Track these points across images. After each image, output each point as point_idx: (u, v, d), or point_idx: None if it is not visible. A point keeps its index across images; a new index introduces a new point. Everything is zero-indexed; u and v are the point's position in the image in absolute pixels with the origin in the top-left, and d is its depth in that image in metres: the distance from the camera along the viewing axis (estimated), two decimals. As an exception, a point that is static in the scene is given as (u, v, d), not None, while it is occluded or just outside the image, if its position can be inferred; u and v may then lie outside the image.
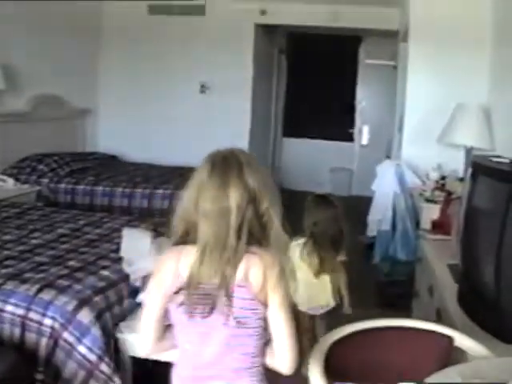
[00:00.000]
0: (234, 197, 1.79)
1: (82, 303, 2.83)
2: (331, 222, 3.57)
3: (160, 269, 1.84)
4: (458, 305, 2.86)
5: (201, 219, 1.80)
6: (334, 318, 3.70)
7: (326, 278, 3.63)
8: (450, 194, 4.83)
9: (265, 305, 1.78)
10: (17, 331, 2.81)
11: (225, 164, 1.88)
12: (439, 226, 4.47)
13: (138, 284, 3.15)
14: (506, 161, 2.64)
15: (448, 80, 5.75)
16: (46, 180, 5.94)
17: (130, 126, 8.16)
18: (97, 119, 8.08)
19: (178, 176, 6.36)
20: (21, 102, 6.14)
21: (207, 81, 8.00)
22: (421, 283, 4.31)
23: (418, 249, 5.12)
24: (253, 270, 1.76)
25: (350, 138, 10.40)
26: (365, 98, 10.36)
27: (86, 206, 5.76)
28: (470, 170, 2.98)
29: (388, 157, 8.03)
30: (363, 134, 10.38)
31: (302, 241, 3.54)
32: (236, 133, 7.92)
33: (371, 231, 5.61)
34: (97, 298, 2.92)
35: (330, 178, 9.83)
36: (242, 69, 7.96)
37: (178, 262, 1.79)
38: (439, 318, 3.20)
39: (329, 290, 3.66)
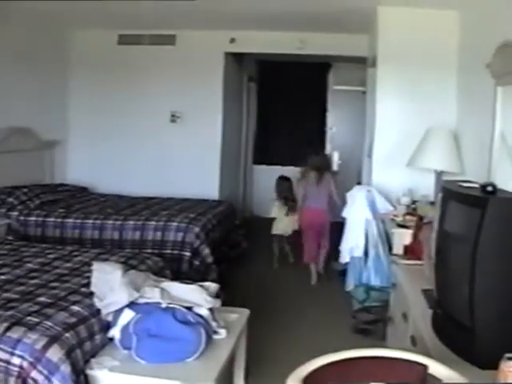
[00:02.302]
0: None
1: (52, 340, 2.76)
2: (287, 189, 7.42)
3: None
4: (432, 331, 2.84)
5: None
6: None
7: (290, 217, 7.24)
8: (421, 218, 4.85)
9: None
10: (-18, 371, 2.73)
11: None
12: (411, 251, 4.46)
13: (109, 319, 3.11)
14: (476, 185, 2.64)
15: (417, 105, 5.83)
16: (15, 213, 5.85)
17: (100, 156, 8.15)
18: (66, 150, 8.04)
19: (149, 206, 6.33)
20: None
21: (178, 110, 8.01)
22: (395, 309, 4.28)
23: (391, 274, 5.17)
24: None
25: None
26: (335, 123, 10.46)
27: (57, 239, 5.68)
28: (439, 195, 2.99)
29: (359, 183, 8.06)
30: (334, 159, 10.40)
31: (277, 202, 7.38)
32: (207, 161, 7.97)
33: (344, 258, 5.60)
34: (67, 335, 2.85)
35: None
36: (213, 97, 8.01)
37: None
38: (414, 345, 3.19)
39: (291, 223, 7.24)
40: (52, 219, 5.84)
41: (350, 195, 5.62)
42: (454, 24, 5.62)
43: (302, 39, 7.63)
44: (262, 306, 5.20)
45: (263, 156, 10.39)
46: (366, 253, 5.41)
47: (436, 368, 2.15)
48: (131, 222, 5.71)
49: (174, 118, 8.02)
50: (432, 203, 5.29)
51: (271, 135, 10.32)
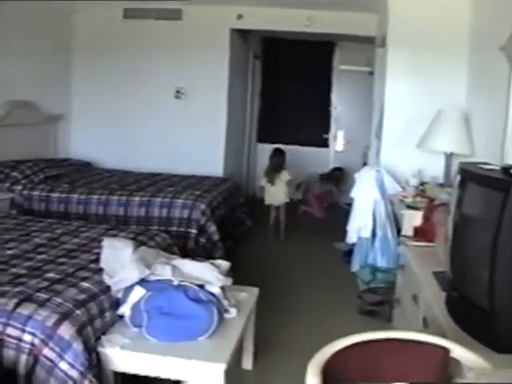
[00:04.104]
0: None
1: (63, 317, 2.70)
2: (278, 161, 7.73)
3: None
4: (447, 313, 2.80)
5: None
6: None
7: (277, 186, 7.61)
8: (431, 200, 4.81)
9: None
10: (-7, 348, 2.69)
11: None
12: (421, 233, 4.43)
13: (119, 296, 3.06)
14: (497, 168, 2.59)
15: (427, 86, 5.75)
16: (19, 187, 5.79)
17: (104, 131, 8.08)
18: (69, 125, 7.99)
19: (154, 183, 6.28)
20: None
21: (183, 86, 7.92)
22: (402, 291, 4.26)
23: (398, 256, 5.09)
24: None
25: (324, 143, 10.36)
26: (340, 103, 10.34)
27: (61, 214, 5.64)
28: (457, 178, 2.91)
29: (365, 163, 8.01)
30: (338, 139, 10.35)
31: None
32: (211, 139, 7.92)
33: (351, 238, 5.56)
34: (78, 312, 2.80)
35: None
36: (218, 74, 7.93)
37: None
38: (426, 327, 3.15)
39: (280, 192, 7.60)
40: (56, 194, 5.78)
41: (358, 176, 5.57)
42: (467, 5, 5.53)
43: (310, 17, 7.53)
44: (266, 285, 5.15)
45: (267, 134, 10.29)
46: (373, 234, 5.40)
47: (457, 351, 2.11)
48: (137, 198, 5.66)
49: (178, 94, 7.94)
50: (442, 185, 5.27)
51: (275, 113, 10.24)
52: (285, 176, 7.63)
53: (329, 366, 2.00)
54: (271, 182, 7.63)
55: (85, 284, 3.07)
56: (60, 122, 7.59)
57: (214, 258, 5.36)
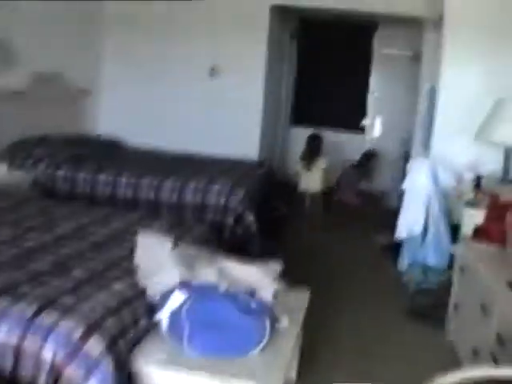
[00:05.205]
0: None
1: (92, 328, 2.26)
2: (316, 147, 7.81)
3: None
4: None
5: None
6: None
7: (313, 173, 7.69)
8: (495, 197, 4.35)
9: None
10: (8, 364, 2.23)
11: None
12: (484, 234, 4.00)
13: (156, 300, 2.62)
14: None
15: (487, 72, 5.37)
16: (42, 166, 5.38)
17: (134, 109, 7.70)
18: (98, 101, 7.62)
19: (188, 166, 5.86)
20: (16, 79, 5.62)
21: (217, 63, 7.50)
22: (463, 296, 3.89)
23: (452, 255, 4.71)
24: None
25: (361, 129, 9.92)
26: (379, 88, 9.85)
27: (87, 196, 5.26)
28: None
29: (406, 152, 7.62)
30: (375, 125, 9.89)
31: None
32: (247, 120, 7.53)
33: (401, 233, 5.12)
34: (109, 322, 2.35)
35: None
36: (255, 53, 7.50)
37: None
38: (500, 345, 2.83)
39: (316, 179, 7.68)
40: (82, 174, 5.36)
41: (411, 166, 5.13)
42: None
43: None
44: (304, 282, 4.71)
45: (301, 117, 9.85)
46: (424, 229, 4.97)
47: None
48: (169, 183, 5.20)
49: (213, 71, 7.51)
50: (503, 180, 4.84)
51: (310, 96, 9.76)
52: (322, 163, 7.71)
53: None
54: (308, 168, 7.67)
55: (116, 286, 2.62)
56: (88, 97, 7.24)
57: (251, 251, 5.05)
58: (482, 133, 4.97)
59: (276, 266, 2.87)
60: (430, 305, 4.65)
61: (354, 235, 6.81)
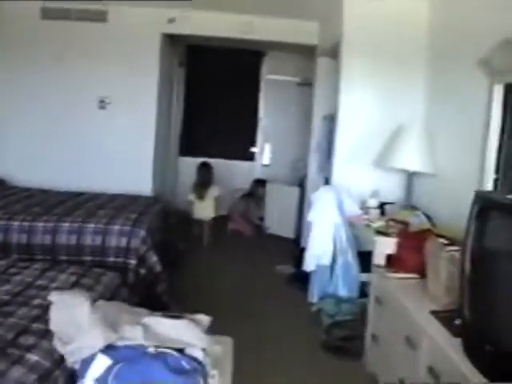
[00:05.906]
0: None
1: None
2: (205, 175, 7.81)
3: None
4: (471, 366, 2.44)
5: None
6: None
7: (206, 202, 7.72)
8: (405, 225, 4.38)
9: None
10: None
11: None
12: (397, 262, 3.98)
13: (76, 367, 2.36)
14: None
15: (383, 100, 5.50)
16: None
17: (17, 145, 7.19)
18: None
19: (82, 204, 5.54)
20: None
21: (107, 95, 7.18)
22: (382, 327, 3.83)
23: (362, 284, 4.82)
24: None
25: (251, 157, 9.87)
26: (267, 115, 9.84)
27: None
28: (475, 206, 2.60)
29: (302, 179, 7.64)
30: (265, 152, 9.86)
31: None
32: (139, 153, 7.28)
33: (309, 266, 5.05)
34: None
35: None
36: (146, 83, 7.27)
37: None
38: (434, 378, 2.74)
39: (208, 208, 7.72)
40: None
41: (315, 196, 5.07)
42: (425, 16, 5.33)
43: (249, 22, 7.00)
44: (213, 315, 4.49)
45: (190, 147, 9.65)
46: (332, 259, 4.95)
47: None
48: (66, 224, 4.83)
49: (102, 103, 7.18)
50: (410, 207, 4.89)
51: (199, 125, 9.60)
52: (214, 191, 7.79)
53: None
54: (200, 197, 7.72)
55: (32, 357, 2.29)
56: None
57: (158, 292, 4.81)
58: (383, 159, 5.01)
59: (204, 320, 2.68)
60: (345, 337, 4.59)
61: (258, 266, 6.72)
